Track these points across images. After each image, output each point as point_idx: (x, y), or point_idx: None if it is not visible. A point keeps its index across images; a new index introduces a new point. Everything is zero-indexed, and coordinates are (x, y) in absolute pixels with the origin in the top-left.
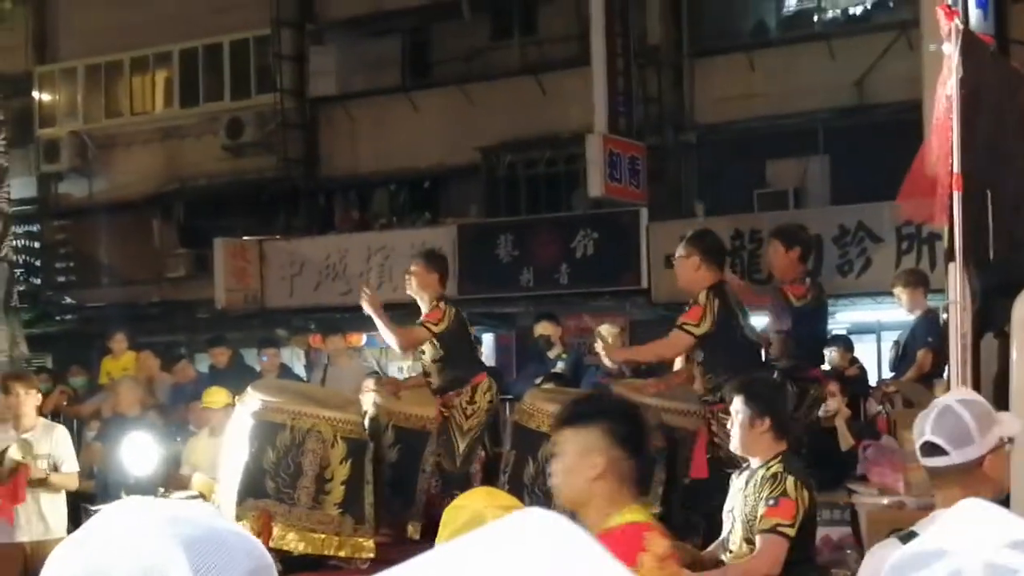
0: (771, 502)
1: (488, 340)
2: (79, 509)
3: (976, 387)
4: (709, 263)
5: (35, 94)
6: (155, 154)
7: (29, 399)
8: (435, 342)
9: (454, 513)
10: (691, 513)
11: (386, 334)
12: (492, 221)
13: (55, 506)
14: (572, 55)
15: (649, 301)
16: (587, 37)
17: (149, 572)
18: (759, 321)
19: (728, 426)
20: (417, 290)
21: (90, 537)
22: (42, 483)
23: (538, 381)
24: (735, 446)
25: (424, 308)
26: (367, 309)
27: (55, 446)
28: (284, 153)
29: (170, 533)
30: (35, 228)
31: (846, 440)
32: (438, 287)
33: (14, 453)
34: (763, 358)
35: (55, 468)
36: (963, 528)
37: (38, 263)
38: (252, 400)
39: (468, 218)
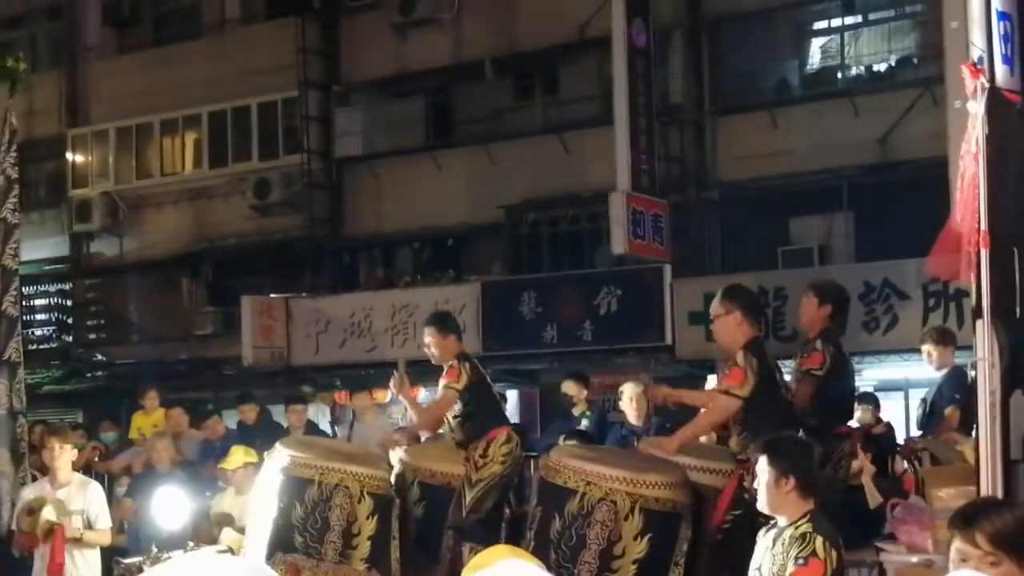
0: (800, 561)
1: (512, 397)
2: (110, 563)
3: (1005, 445)
4: (749, 319)
5: (68, 156)
6: (184, 214)
7: (64, 454)
8: (456, 399)
9: (472, 570)
10: (721, 571)
11: (417, 421)
12: (515, 278)
13: (88, 562)
14: (594, 114)
15: (673, 358)
16: (609, 96)
17: None
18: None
19: (754, 485)
20: (440, 358)
21: None
22: (76, 542)
23: (562, 438)
24: (761, 505)
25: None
26: (402, 398)
27: (89, 502)
28: (310, 212)
29: None
30: (67, 286)
31: (874, 498)
32: (456, 347)
33: (49, 514)
34: (793, 414)
35: (89, 524)
36: None
37: (70, 320)
38: (281, 456)
39: (491, 276)
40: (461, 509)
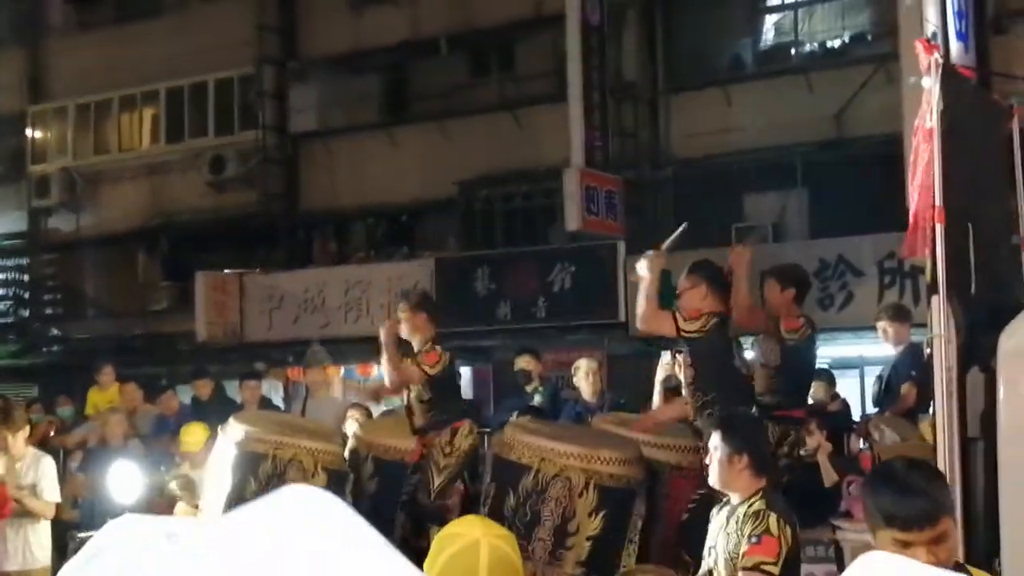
0: (754, 540)
1: (465, 373)
2: (65, 537)
3: (962, 422)
4: (715, 292)
5: (28, 132)
6: (141, 189)
7: (17, 440)
8: (426, 383)
9: (448, 540)
10: (681, 551)
11: (386, 368)
12: (469, 254)
13: (39, 535)
14: (549, 91)
15: (627, 334)
16: (563, 73)
17: None
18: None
19: (707, 461)
20: (410, 333)
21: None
22: (18, 503)
23: (515, 415)
24: (713, 481)
25: (416, 346)
26: (383, 338)
27: (40, 476)
28: (265, 188)
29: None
30: (24, 261)
31: (829, 476)
32: (429, 327)
33: None
34: (752, 391)
35: (37, 498)
36: None
37: (27, 295)
38: (235, 430)
39: (445, 252)
40: (429, 493)
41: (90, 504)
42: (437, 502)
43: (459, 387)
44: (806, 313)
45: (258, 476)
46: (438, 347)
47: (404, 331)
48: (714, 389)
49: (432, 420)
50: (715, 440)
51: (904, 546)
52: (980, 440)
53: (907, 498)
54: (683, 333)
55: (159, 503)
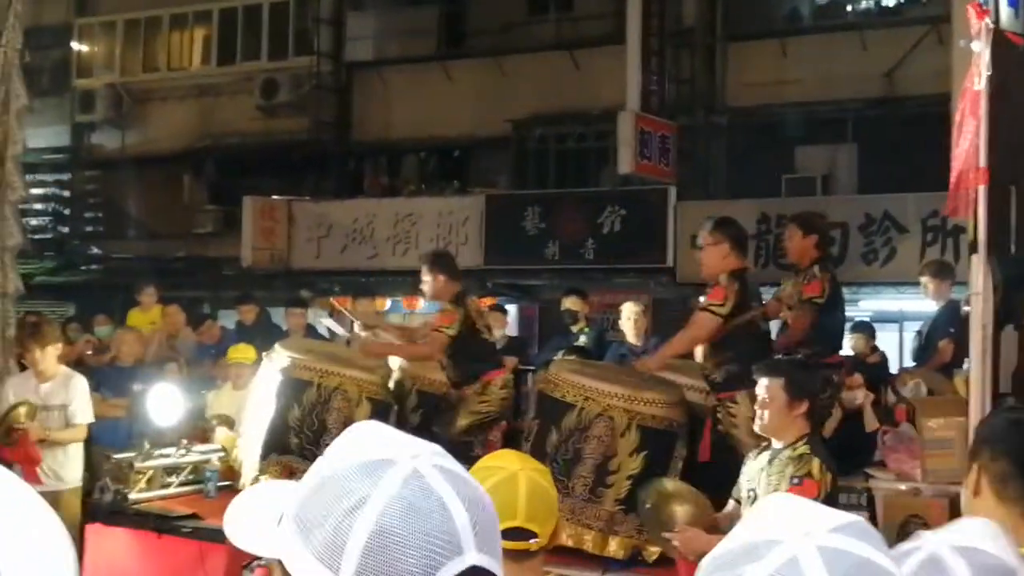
0: (795, 481)
1: (512, 311)
2: (97, 457)
3: (995, 379)
4: (737, 251)
5: (74, 45)
6: (189, 110)
7: (47, 356)
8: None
9: (486, 472)
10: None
11: (407, 355)
12: (520, 193)
13: (69, 458)
14: (607, 33)
15: (673, 280)
16: (622, 15)
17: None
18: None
19: (756, 407)
20: (433, 298)
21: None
22: (43, 441)
23: (561, 354)
24: (764, 428)
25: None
26: (372, 350)
27: (71, 397)
28: (317, 116)
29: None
30: (65, 177)
31: (871, 423)
32: (452, 287)
33: (19, 415)
34: (771, 346)
35: (67, 419)
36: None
37: (67, 212)
38: (280, 357)
39: (496, 189)
40: (451, 426)
41: (125, 424)
42: (455, 438)
43: (483, 339)
44: (827, 266)
45: (302, 403)
46: (449, 306)
47: (427, 298)
48: (732, 353)
49: (461, 374)
50: (772, 387)
51: None
52: (1011, 396)
53: None
54: (723, 317)
55: (198, 428)
